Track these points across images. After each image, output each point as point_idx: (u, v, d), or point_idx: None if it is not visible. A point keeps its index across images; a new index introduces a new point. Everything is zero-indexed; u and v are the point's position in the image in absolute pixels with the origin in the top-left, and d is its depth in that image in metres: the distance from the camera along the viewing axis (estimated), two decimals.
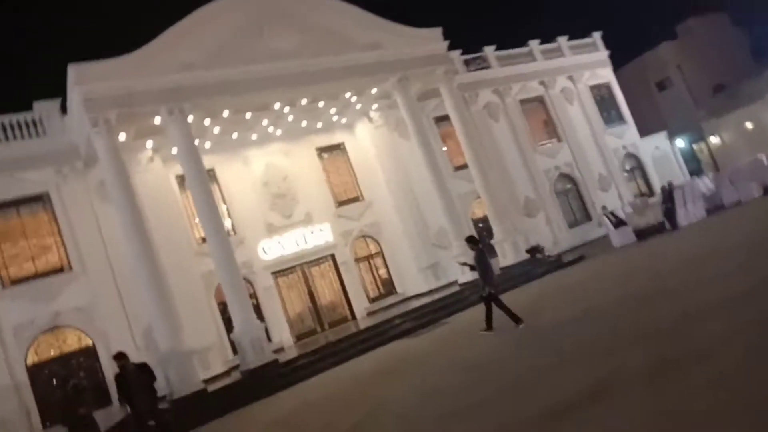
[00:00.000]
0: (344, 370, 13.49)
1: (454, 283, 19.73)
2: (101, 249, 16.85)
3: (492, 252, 18.90)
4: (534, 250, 20.59)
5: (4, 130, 16.51)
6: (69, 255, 16.65)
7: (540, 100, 27.83)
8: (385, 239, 22.38)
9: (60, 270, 16.56)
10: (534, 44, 28.19)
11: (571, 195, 27.13)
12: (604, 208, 21.06)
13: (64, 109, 17.05)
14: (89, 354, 16.33)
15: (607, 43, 30.62)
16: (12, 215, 16.47)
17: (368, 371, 12.13)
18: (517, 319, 10.80)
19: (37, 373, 15.60)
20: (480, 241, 12.02)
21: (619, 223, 19.53)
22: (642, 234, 18.91)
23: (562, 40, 29.19)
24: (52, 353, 16.03)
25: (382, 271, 22.47)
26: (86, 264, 16.64)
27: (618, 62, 31.63)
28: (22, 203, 16.56)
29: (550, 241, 24.30)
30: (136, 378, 9.89)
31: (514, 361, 8.58)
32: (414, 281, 21.78)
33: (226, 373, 16.57)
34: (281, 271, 20.28)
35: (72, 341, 16.31)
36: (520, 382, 7.25)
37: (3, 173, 16.16)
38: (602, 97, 29.84)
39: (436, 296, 19.26)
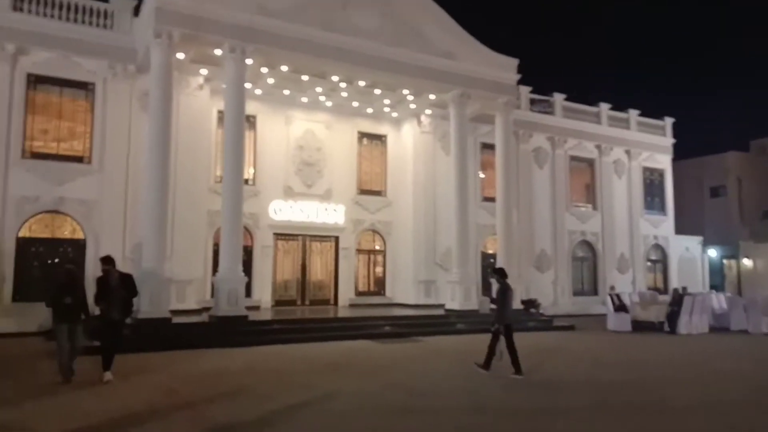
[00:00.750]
0: (305, 349, 13.46)
1: (442, 306, 19.63)
2: (124, 154, 17.11)
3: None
4: (530, 303, 20.33)
5: (76, 11, 16.87)
6: (92, 148, 16.93)
7: (590, 163, 27.44)
8: (392, 240, 22.33)
9: (79, 159, 16.85)
10: (604, 107, 27.82)
11: (587, 264, 26.73)
12: (612, 288, 20.67)
13: (137, 11, 17.32)
14: (78, 247, 16.60)
15: (676, 131, 30.05)
16: (54, 93, 16.78)
17: (324, 360, 12.08)
18: (518, 368, 10.24)
19: (24, 246, 15.91)
20: (506, 275, 11.31)
21: (620, 307, 19.11)
22: (639, 326, 18.52)
23: (633, 113, 28.74)
24: (45, 235, 16.33)
25: (378, 270, 22.45)
26: (105, 163, 16.90)
27: (680, 153, 31.06)
28: (68, 85, 16.86)
29: (549, 301, 24.02)
30: (117, 286, 9.68)
31: (454, 404, 8.46)
32: (405, 290, 21.69)
33: (198, 311, 16.67)
34: (283, 235, 20.38)
35: (66, 230, 16.59)
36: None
37: (61, 51, 16.52)
38: (652, 182, 29.31)
39: (421, 312, 19.18)
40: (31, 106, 16.34)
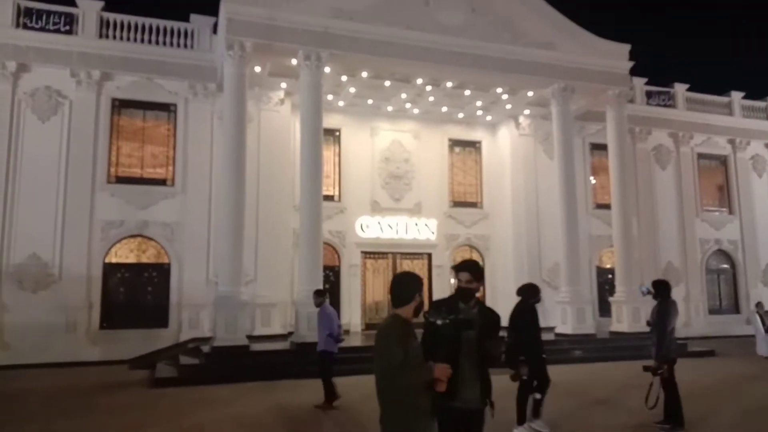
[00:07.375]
0: None
1: (552, 330, 17.28)
2: (206, 175, 16.67)
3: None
4: None
5: (158, 33, 16.77)
6: (175, 171, 16.63)
7: (722, 161, 23.80)
8: (491, 256, 20.24)
9: (162, 182, 16.59)
10: (736, 96, 24.11)
11: (724, 277, 23.01)
12: (758, 305, 17.20)
13: (216, 29, 16.93)
14: (162, 271, 16.24)
15: None
16: (138, 116, 16.72)
17: None
18: (675, 421, 7.70)
19: (110, 272, 15.76)
20: (669, 290, 8.17)
21: None
22: None
23: None
24: (130, 260, 16.13)
25: None
26: (187, 185, 16.52)
27: None
28: (150, 108, 16.73)
29: (680, 321, 20.54)
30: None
31: None
32: (507, 312, 19.40)
33: (283, 336, 15.69)
34: (372, 254, 19.01)
35: (150, 254, 16.30)
36: None
37: (143, 74, 16.44)
38: None
39: None
40: (116, 131, 16.33)
